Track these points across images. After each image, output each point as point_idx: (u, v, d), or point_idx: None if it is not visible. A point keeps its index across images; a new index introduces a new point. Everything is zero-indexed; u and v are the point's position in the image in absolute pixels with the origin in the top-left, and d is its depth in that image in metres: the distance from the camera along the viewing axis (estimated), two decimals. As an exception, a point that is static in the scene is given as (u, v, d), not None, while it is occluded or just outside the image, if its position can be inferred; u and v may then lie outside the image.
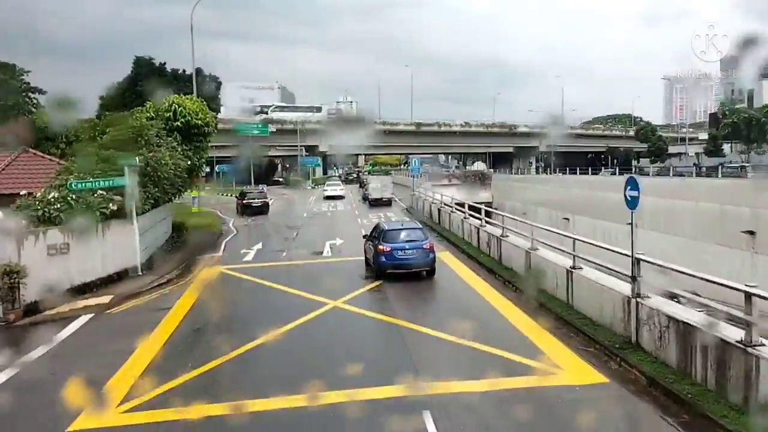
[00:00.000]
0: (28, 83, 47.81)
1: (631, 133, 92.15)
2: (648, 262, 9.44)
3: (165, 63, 49.51)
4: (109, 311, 14.42)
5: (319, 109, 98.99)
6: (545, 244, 14.75)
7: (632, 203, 9.50)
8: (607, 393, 8.46)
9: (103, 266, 16.76)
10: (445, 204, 28.47)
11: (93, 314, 13.98)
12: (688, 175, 41.77)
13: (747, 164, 48.22)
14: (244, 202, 37.39)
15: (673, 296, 9.53)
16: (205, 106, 26.96)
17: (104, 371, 9.76)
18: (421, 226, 19.47)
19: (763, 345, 7.11)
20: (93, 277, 16.27)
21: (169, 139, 22.76)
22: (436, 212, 29.98)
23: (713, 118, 74.75)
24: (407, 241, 16.34)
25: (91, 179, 17.30)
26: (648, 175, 46.57)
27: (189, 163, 23.96)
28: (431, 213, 31.39)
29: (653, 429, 7.69)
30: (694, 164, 53.39)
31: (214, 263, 20.24)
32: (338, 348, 10.91)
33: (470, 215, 22.82)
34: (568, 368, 9.28)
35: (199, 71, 40.32)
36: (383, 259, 16.02)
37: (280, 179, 78.39)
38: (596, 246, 11.62)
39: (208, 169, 46.66)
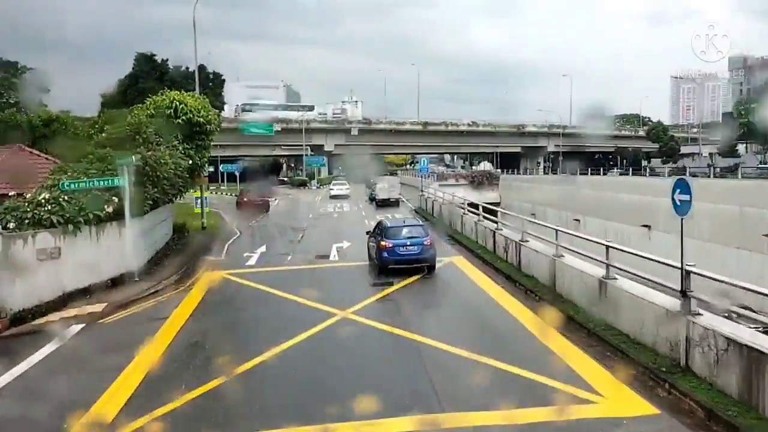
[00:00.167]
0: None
1: (641, 133, 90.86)
2: (700, 275, 8.36)
3: (167, 59, 48.37)
4: (101, 321, 13.48)
5: (311, 108, 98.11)
6: (570, 250, 13.65)
7: (682, 208, 8.42)
8: (660, 428, 7.38)
9: (97, 272, 15.77)
10: (457, 205, 27.40)
11: (84, 324, 13.02)
12: (702, 176, 40.57)
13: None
14: (245, 200, 37.41)
15: (726, 312, 8.48)
16: (207, 104, 25.99)
17: (89, 393, 8.77)
18: (422, 223, 19.99)
19: None
20: (86, 283, 15.29)
21: (170, 137, 21.76)
22: (446, 213, 28.91)
23: (727, 118, 73.16)
24: (408, 238, 16.90)
25: (85, 179, 16.35)
26: (660, 176, 45.50)
27: (190, 162, 22.98)
28: (441, 214, 30.34)
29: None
30: (708, 165, 52.04)
31: (215, 268, 19.24)
32: (350, 368, 9.84)
33: (484, 217, 21.73)
34: (610, 395, 8.18)
35: (202, 68, 39.31)
36: (385, 254, 16.67)
37: (285, 179, 77.50)
38: (634, 254, 10.50)
39: (211, 169, 45.76)
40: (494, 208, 21.55)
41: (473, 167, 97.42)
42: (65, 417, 7.85)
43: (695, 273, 8.43)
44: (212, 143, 26.20)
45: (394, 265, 16.50)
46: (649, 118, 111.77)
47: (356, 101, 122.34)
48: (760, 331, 7.97)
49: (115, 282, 16.25)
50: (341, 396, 8.31)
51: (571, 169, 54.06)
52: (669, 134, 79.19)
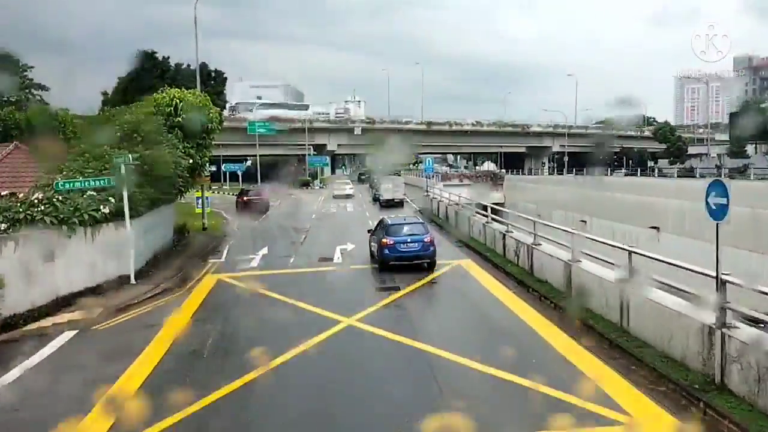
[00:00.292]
0: (31, 79, 46.72)
1: (647, 133, 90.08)
2: (737, 284, 7.72)
3: (168, 57, 47.92)
4: (95, 327, 12.85)
5: (306, 107, 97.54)
6: (586, 254, 12.99)
7: (718, 213, 7.78)
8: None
9: (93, 275, 15.18)
10: (463, 206, 26.75)
11: (77, 330, 12.45)
12: (710, 177, 39.91)
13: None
14: (244, 200, 36.92)
15: (756, 321, 7.85)
16: (208, 101, 25.40)
17: (78, 407, 8.17)
18: (422, 220, 20.56)
19: None
20: (81, 286, 14.71)
21: (170, 136, 21.15)
22: (453, 215, 28.27)
23: (734, 118, 72.21)
24: (409, 235, 17.31)
25: (80, 179, 15.77)
26: (669, 176, 44.81)
27: (191, 161, 22.37)
28: (447, 215, 29.70)
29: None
30: (717, 166, 51.29)
31: (215, 270, 18.64)
32: (357, 385, 9.16)
33: (494, 219, 21.08)
34: (640, 415, 7.54)
35: (203, 66, 38.74)
36: (386, 251, 17.04)
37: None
38: (661, 261, 9.83)
39: (213, 168, 45.24)
40: (503, 209, 20.85)
41: (476, 167, 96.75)
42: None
43: (731, 283, 7.79)
44: (213, 142, 25.58)
45: (395, 261, 16.91)
46: (653, 118, 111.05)
47: (359, 101, 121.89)
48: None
49: (112, 285, 15.62)
50: (349, 420, 7.75)
51: (590, 170, 53.21)
52: (676, 135, 78.26)
